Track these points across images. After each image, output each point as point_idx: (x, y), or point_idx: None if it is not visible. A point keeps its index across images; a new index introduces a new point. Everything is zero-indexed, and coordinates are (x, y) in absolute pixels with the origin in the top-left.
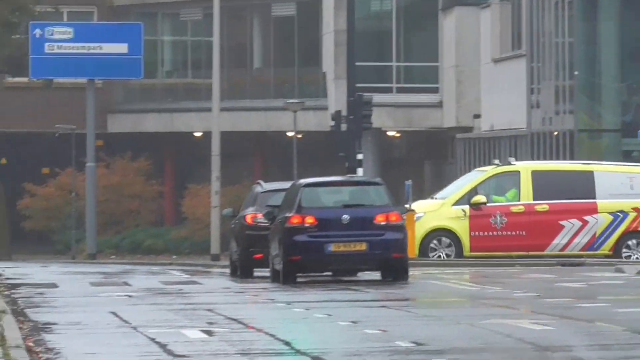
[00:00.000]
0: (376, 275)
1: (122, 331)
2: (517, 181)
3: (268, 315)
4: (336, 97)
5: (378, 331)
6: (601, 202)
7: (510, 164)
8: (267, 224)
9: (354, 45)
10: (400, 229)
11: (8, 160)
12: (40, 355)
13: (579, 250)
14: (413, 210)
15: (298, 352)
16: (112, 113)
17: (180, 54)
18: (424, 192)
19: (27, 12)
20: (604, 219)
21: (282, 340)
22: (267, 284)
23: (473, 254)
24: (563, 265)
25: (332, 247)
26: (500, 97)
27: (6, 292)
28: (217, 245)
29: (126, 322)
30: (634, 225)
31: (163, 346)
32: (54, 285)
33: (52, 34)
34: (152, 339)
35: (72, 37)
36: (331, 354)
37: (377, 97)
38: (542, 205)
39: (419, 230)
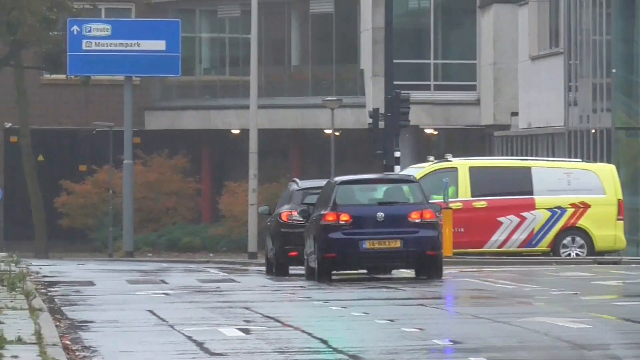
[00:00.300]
0: (410, 272)
1: (159, 329)
2: (455, 178)
3: (305, 313)
4: (374, 95)
5: (415, 329)
6: (539, 199)
7: (448, 161)
8: (302, 222)
9: (392, 43)
10: (435, 226)
11: (45, 158)
12: (77, 353)
13: (518, 247)
14: (450, 207)
15: (335, 350)
16: (150, 110)
17: (218, 51)
18: None
19: (65, 8)
20: (542, 215)
21: (318, 339)
22: (304, 282)
23: None
24: (600, 263)
25: (366, 245)
26: (538, 95)
27: (43, 290)
28: (255, 243)
29: (163, 320)
30: (572, 221)
31: (199, 344)
32: (91, 283)
33: (89, 31)
34: (189, 337)
35: (110, 34)
36: (368, 352)
37: (415, 95)
38: (480, 202)
39: None
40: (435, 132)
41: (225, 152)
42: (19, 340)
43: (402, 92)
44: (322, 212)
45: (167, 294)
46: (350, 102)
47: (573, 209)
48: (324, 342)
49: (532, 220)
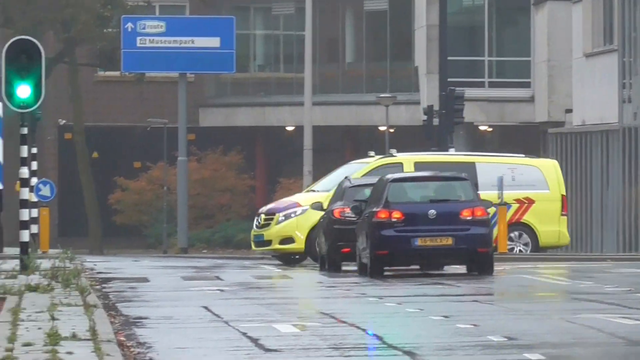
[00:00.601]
0: (462, 268)
1: (214, 326)
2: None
3: (360, 309)
4: (428, 92)
5: (470, 326)
6: (484, 194)
7: (393, 156)
8: (354, 218)
9: (446, 40)
10: (486, 223)
11: (100, 154)
12: (132, 349)
13: None
14: (506, 203)
15: (390, 346)
16: (204, 107)
17: (272, 48)
18: None
19: (119, 5)
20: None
21: (374, 335)
22: (358, 278)
23: None
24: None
25: (418, 242)
26: (592, 92)
27: (98, 287)
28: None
29: (218, 316)
30: (517, 217)
31: (254, 340)
32: (146, 280)
33: (144, 28)
34: (244, 334)
35: (164, 31)
36: (423, 348)
37: (469, 92)
38: None
39: (305, 223)
40: (490, 129)
41: (279, 148)
42: (74, 337)
43: (457, 89)
44: (375, 209)
45: (222, 290)
46: (404, 99)
47: (518, 205)
48: (379, 338)
49: None
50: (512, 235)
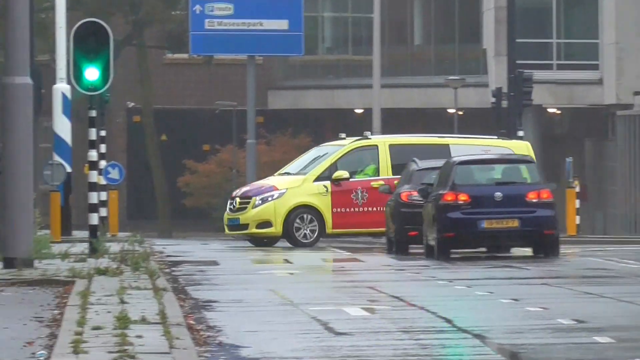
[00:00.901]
0: (528, 251)
1: (283, 309)
2: (375, 155)
3: (429, 292)
4: (496, 74)
5: (539, 309)
6: None
7: (367, 138)
8: (422, 202)
9: (515, 22)
10: (551, 206)
11: (169, 137)
12: (201, 333)
13: None
14: (575, 187)
15: (459, 329)
16: (273, 89)
17: (341, 30)
18: (585, 169)
19: None
20: None
21: (443, 318)
22: (427, 261)
23: (335, 231)
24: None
25: (485, 224)
26: None
27: (167, 270)
28: None
29: (287, 299)
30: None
31: (324, 324)
32: (215, 263)
33: (212, 10)
34: (313, 317)
35: (232, 13)
36: (492, 331)
37: (538, 74)
38: None
39: (282, 207)
40: (558, 112)
41: (348, 131)
42: (143, 320)
43: (525, 71)
44: (441, 192)
45: (291, 274)
46: (473, 82)
47: None
48: (449, 321)
49: None
50: None
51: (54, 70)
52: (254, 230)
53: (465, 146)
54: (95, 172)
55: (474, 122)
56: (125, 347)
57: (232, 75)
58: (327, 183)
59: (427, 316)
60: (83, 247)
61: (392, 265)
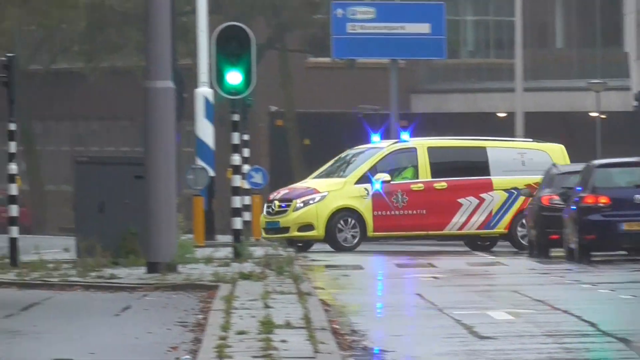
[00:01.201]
0: None
1: (428, 313)
2: (413, 158)
3: (573, 296)
4: (639, 78)
5: None
6: (496, 179)
7: (405, 141)
8: (562, 205)
9: None
10: None
11: (311, 141)
12: (346, 337)
13: (476, 229)
14: None
15: (604, 333)
16: (416, 93)
17: (483, 33)
18: None
19: None
20: (499, 197)
21: (588, 322)
22: (569, 265)
23: (376, 234)
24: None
25: (624, 226)
26: None
27: (311, 275)
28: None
29: (432, 303)
30: (528, 202)
31: (469, 328)
32: (360, 267)
33: (354, 14)
34: (458, 321)
35: (375, 17)
36: (637, 335)
37: None
38: (441, 183)
39: (324, 210)
40: None
41: (490, 135)
42: (288, 325)
43: None
44: (582, 195)
45: (435, 278)
46: (615, 85)
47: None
48: (593, 325)
49: (491, 201)
50: (524, 221)
51: (196, 74)
52: (296, 233)
53: (501, 149)
54: (238, 177)
55: (616, 125)
56: (270, 352)
57: (375, 79)
58: (368, 186)
59: (571, 320)
60: (227, 252)
61: (535, 269)
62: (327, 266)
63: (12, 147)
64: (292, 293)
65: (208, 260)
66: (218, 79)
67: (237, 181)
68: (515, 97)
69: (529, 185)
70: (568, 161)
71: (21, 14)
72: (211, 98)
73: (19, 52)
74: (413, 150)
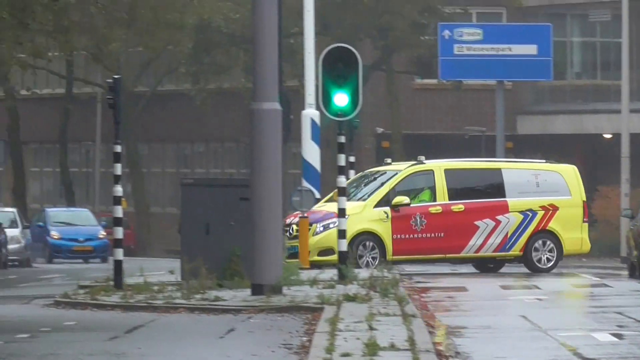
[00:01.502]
0: None
1: (532, 335)
2: (430, 180)
3: None
4: None
5: None
6: (511, 201)
7: (422, 163)
8: None
9: None
10: None
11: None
12: (450, 359)
13: (492, 252)
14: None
15: None
16: (522, 114)
17: (589, 55)
18: None
19: (436, 13)
20: (515, 219)
21: None
22: None
23: (395, 258)
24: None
25: None
26: None
27: (416, 296)
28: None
29: (536, 325)
30: (542, 224)
31: (573, 349)
32: (464, 289)
33: (461, 36)
34: (562, 343)
35: (482, 39)
36: None
37: None
38: (458, 205)
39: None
40: None
41: (597, 156)
42: (392, 347)
43: None
44: None
45: (539, 299)
46: None
47: (543, 212)
48: None
49: (506, 223)
50: (536, 245)
51: (302, 96)
52: (316, 257)
53: (516, 170)
54: (344, 198)
55: None
56: None
57: (481, 100)
58: (387, 209)
59: None
60: (332, 274)
61: None
62: (432, 288)
63: (118, 169)
64: (396, 315)
65: (313, 283)
66: (325, 100)
67: (343, 203)
68: (622, 118)
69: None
70: (581, 183)
71: (127, 35)
72: (318, 120)
73: (124, 74)
74: (430, 172)
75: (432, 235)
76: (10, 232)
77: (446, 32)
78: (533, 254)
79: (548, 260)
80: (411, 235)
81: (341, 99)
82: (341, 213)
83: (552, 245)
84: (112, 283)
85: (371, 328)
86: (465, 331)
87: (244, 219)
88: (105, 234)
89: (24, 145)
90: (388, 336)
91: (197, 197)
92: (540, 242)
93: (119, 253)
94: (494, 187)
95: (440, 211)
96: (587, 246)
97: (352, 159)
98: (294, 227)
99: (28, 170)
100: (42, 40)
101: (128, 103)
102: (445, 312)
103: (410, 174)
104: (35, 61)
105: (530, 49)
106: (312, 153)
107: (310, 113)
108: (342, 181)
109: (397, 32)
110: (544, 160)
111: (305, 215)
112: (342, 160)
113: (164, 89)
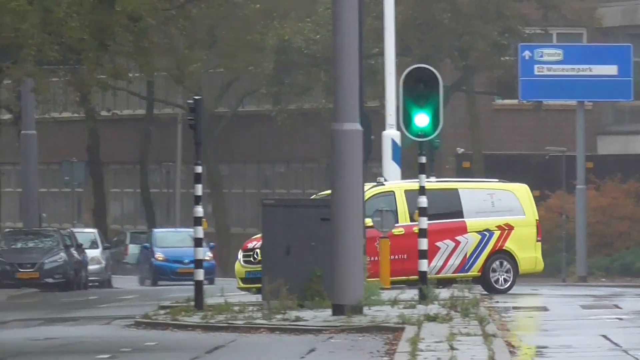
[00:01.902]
0: None
1: (612, 354)
2: (392, 202)
3: None
4: None
5: None
6: (469, 221)
7: (381, 184)
8: None
9: None
10: None
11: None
12: None
13: (452, 273)
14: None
15: None
16: (602, 135)
17: None
18: None
19: (516, 34)
20: (473, 239)
21: None
22: None
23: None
24: None
25: None
26: None
27: (496, 316)
28: None
29: (617, 345)
30: (499, 244)
31: None
32: (545, 309)
33: (541, 56)
34: None
35: (562, 59)
36: None
37: None
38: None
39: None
40: None
41: None
42: None
43: None
44: None
45: (620, 319)
46: None
47: (499, 231)
48: None
49: (465, 244)
50: (494, 265)
51: (383, 116)
52: None
53: (471, 190)
54: (424, 219)
55: None
56: None
57: (562, 120)
58: None
59: None
60: (412, 294)
61: None
62: (513, 308)
63: (199, 189)
64: (477, 335)
65: (394, 303)
66: (405, 121)
67: (424, 223)
68: None
69: None
70: (533, 202)
71: (208, 56)
72: (398, 140)
73: (205, 95)
74: (391, 193)
75: (396, 257)
76: (91, 253)
77: (527, 53)
78: (491, 274)
79: (505, 280)
80: (376, 257)
81: (422, 119)
82: (422, 233)
83: (509, 266)
84: (192, 303)
85: (452, 348)
86: (546, 351)
87: (324, 239)
88: (212, 255)
89: (104, 166)
90: (469, 356)
91: (278, 218)
92: (497, 262)
93: (200, 274)
94: (452, 207)
95: (402, 233)
96: (540, 265)
97: (432, 179)
98: (259, 252)
99: (108, 191)
100: (122, 62)
101: (209, 124)
102: (525, 331)
103: (372, 196)
104: (115, 82)
105: (611, 70)
106: (393, 173)
107: (391, 133)
108: (424, 201)
109: (478, 53)
110: (497, 180)
111: (386, 235)
112: (423, 180)
113: (245, 110)
